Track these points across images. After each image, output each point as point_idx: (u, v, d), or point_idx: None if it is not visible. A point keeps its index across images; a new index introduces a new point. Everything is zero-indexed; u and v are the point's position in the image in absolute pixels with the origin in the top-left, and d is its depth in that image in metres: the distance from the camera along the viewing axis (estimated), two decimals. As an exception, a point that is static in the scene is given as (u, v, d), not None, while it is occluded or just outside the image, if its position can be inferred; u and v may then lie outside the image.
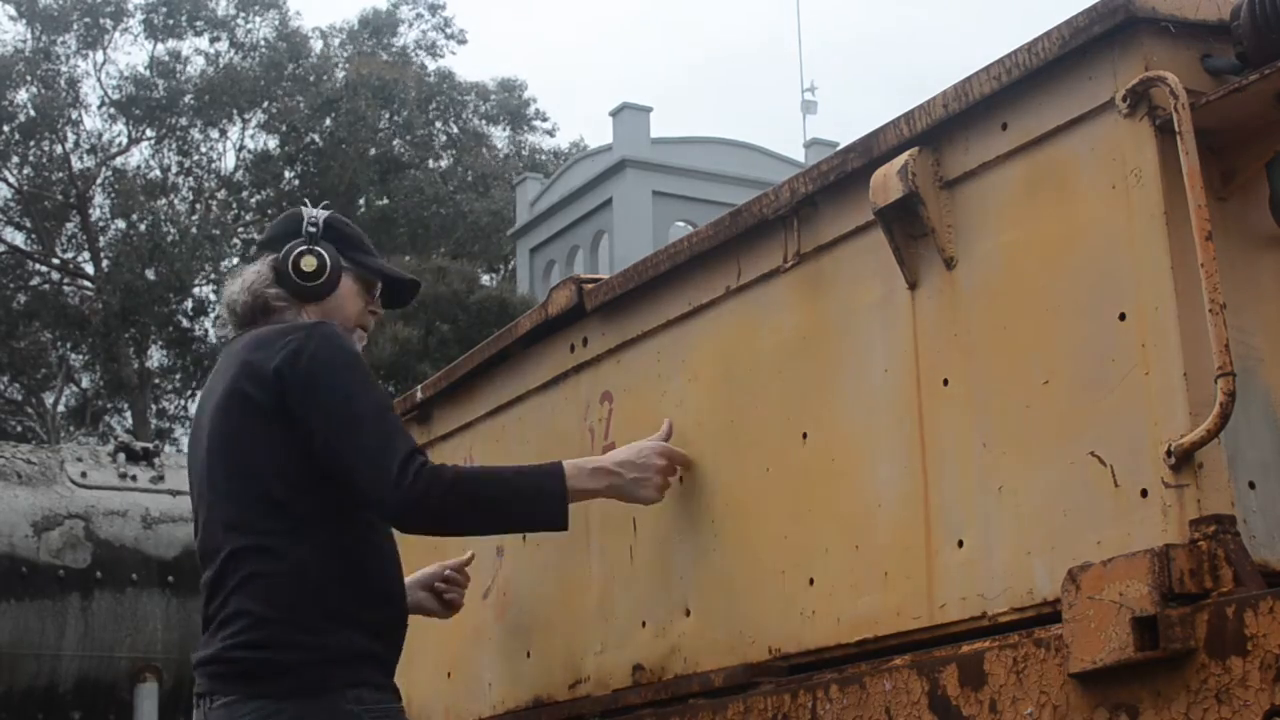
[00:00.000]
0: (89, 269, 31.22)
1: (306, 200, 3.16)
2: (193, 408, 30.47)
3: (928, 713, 2.41)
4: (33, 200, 30.99)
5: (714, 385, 3.12)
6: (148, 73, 31.71)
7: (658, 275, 3.26)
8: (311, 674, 2.67)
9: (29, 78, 30.61)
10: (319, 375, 2.73)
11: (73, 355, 31.29)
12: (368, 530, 2.82)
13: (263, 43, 32.44)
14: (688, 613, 3.11)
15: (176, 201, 32.02)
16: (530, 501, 2.87)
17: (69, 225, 31.90)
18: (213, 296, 31.27)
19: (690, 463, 3.10)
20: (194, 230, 29.57)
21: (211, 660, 2.75)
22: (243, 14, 32.47)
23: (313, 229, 2.96)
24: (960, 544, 2.53)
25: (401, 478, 2.68)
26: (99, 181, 31.56)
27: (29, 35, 31.15)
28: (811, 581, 2.82)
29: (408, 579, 3.15)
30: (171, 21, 31.68)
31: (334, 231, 3.01)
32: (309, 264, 2.92)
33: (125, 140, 32.05)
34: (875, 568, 2.68)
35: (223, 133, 32.73)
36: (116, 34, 31.78)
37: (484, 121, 35.76)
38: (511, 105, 35.75)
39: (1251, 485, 2.26)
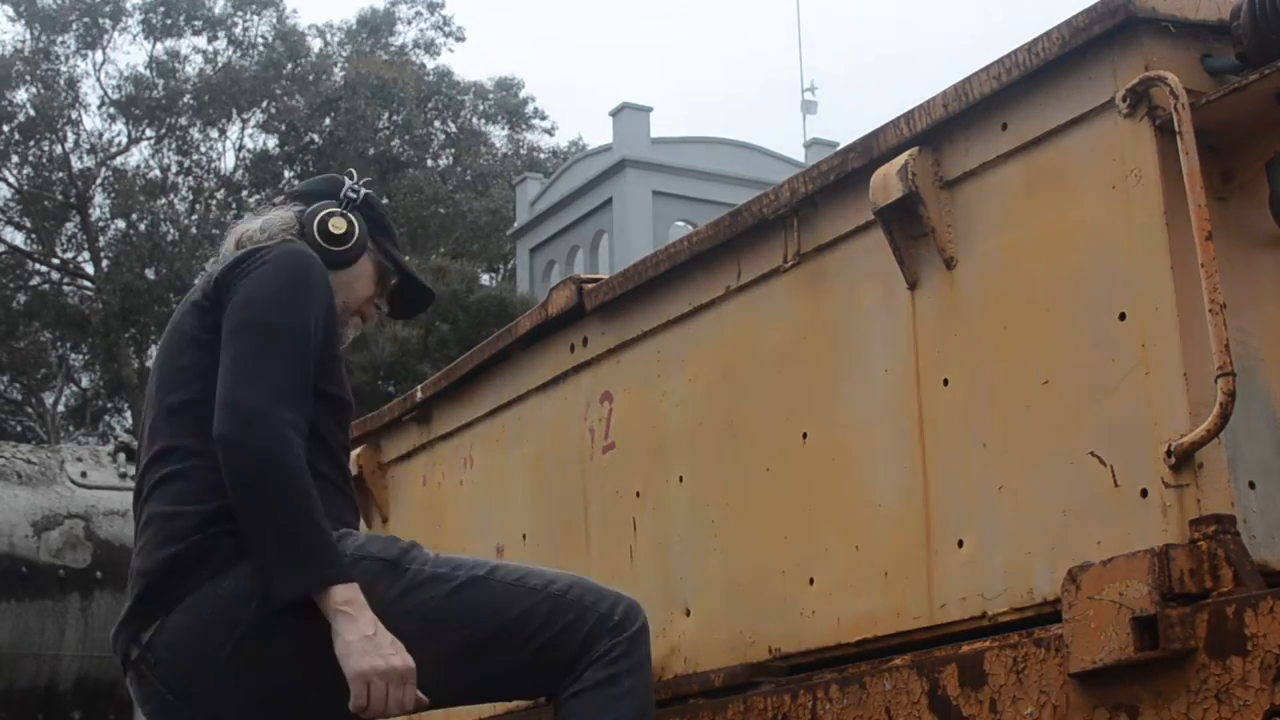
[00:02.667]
0: (89, 269, 31.21)
1: (353, 172, 2.99)
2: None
3: (928, 713, 2.41)
4: (33, 200, 30.97)
5: (714, 385, 3.12)
6: (147, 72, 31.70)
7: (658, 275, 3.26)
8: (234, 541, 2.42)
9: (29, 78, 30.60)
10: (255, 276, 2.52)
11: (73, 355, 31.27)
12: (329, 423, 2.59)
13: (261, 41, 32.44)
14: (688, 613, 3.11)
15: (176, 201, 32.01)
16: (305, 553, 2.38)
17: (69, 225, 31.88)
18: (212, 296, 31.20)
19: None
20: (194, 230, 29.56)
21: (141, 573, 2.48)
22: (240, 12, 32.46)
23: (353, 195, 2.79)
24: (960, 544, 2.54)
25: (254, 417, 2.38)
26: (99, 181, 31.55)
27: (28, 35, 31.14)
28: (811, 581, 2.82)
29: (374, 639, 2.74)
30: (169, 21, 31.66)
31: (370, 210, 2.84)
32: (338, 226, 2.72)
33: (125, 140, 32.04)
34: (875, 568, 2.69)
35: (222, 132, 32.72)
36: (115, 34, 31.76)
37: (483, 120, 35.76)
38: (510, 104, 35.73)
39: (1251, 485, 2.26)
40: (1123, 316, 2.32)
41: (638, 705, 2.45)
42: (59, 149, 31.20)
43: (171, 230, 29.55)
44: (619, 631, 2.46)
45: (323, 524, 2.40)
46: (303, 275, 2.55)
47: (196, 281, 2.71)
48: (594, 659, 2.44)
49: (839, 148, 3.08)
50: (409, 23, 35.36)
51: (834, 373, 2.84)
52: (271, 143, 32.76)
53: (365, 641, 2.33)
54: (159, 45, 31.98)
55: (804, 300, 2.92)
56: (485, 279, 31.29)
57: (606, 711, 2.43)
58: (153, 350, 30.70)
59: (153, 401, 2.63)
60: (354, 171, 2.94)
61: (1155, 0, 2.32)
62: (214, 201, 32.48)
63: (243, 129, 32.79)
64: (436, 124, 34.61)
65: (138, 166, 32.18)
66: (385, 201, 32.45)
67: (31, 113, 30.48)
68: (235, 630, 2.40)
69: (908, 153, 2.63)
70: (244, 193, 33.08)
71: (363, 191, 2.83)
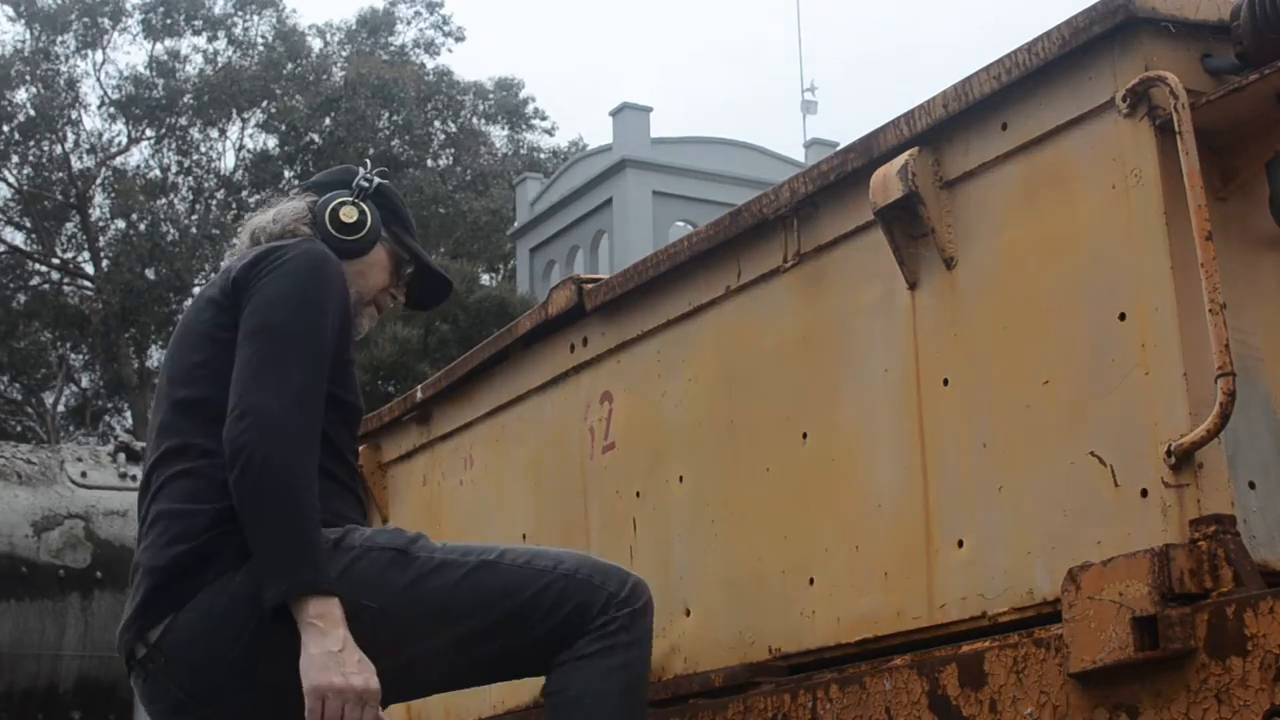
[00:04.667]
0: (89, 269, 31.19)
1: (367, 162, 2.95)
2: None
3: (928, 713, 2.41)
4: (33, 200, 30.96)
5: (714, 385, 3.12)
6: (147, 72, 31.69)
7: (658, 275, 3.26)
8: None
9: (28, 78, 30.59)
10: (272, 277, 2.51)
11: (73, 355, 31.26)
12: (337, 442, 2.58)
13: (261, 41, 32.45)
14: (688, 613, 3.11)
15: (176, 201, 32.00)
16: (290, 562, 2.36)
17: (69, 225, 31.87)
18: (212, 296, 31.21)
19: None
20: (194, 230, 29.56)
21: (150, 570, 2.47)
22: (240, 12, 32.46)
23: (365, 184, 2.75)
24: (960, 544, 2.54)
25: (266, 422, 2.38)
26: (99, 181, 31.53)
27: (28, 35, 31.14)
28: (811, 581, 2.82)
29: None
30: (169, 21, 31.65)
31: (384, 199, 2.80)
32: (349, 215, 2.70)
33: (125, 140, 32.02)
34: (875, 568, 2.69)
35: (222, 132, 32.71)
36: (115, 34, 31.74)
37: (483, 121, 35.76)
38: (510, 104, 35.73)
39: (1251, 485, 2.26)
40: (1123, 316, 2.32)
41: (630, 679, 2.44)
42: (59, 149, 31.19)
43: (171, 230, 29.54)
44: (622, 606, 2.46)
45: (314, 536, 2.38)
46: (319, 277, 2.54)
47: (214, 277, 2.69)
48: (594, 630, 2.44)
49: (839, 148, 3.08)
50: (409, 23, 35.35)
51: (834, 373, 2.84)
52: (272, 143, 32.76)
53: (329, 657, 2.31)
54: (159, 45, 31.98)
55: (804, 300, 2.92)
56: (485, 279, 31.28)
57: (596, 681, 2.42)
58: (153, 350, 30.74)
59: (163, 397, 2.61)
60: (369, 161, 2.90)
61: (1155, 0, 2.32)
62: (214, 201, 32.47)
63: (243, 129, 32.80)
64: (436, 124, 34.60)
65: (138, 166, 32.18)
66: (385, 201, 32.54)
67: (31, 113, 30.47)
68: (248, 626, 2.39)
69: (908, 153, 2.63)
70: (244, 193, 33.07)
71: (376, 181, 2.78)
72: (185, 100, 31.68)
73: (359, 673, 2.32)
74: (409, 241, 2.84)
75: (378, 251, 2.76)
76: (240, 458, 2.38)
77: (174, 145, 32.39)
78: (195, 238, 29.24)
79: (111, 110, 31.69)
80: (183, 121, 32.17)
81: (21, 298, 30.77)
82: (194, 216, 30.98)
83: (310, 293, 2.52)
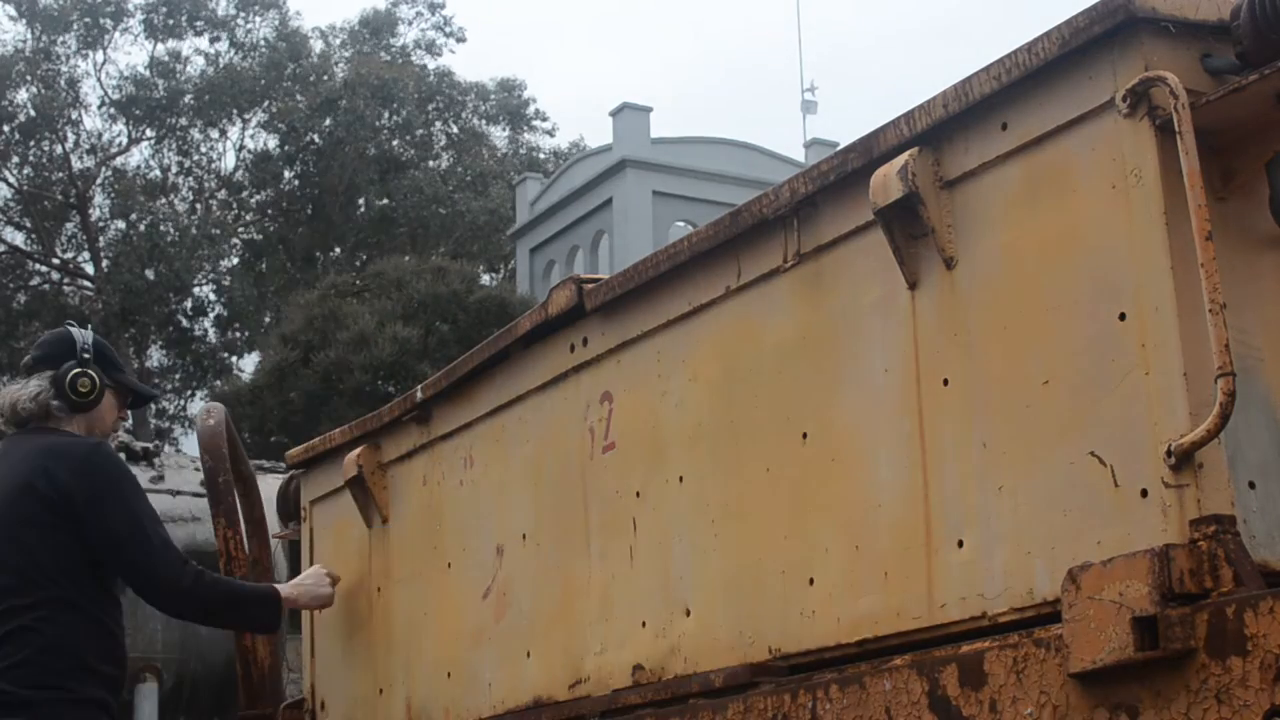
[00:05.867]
0: (89, 269, 31.23)
1: (82, 321, 3.99)
2: (193, 408, 30.57)
3: (928, 713, 2.41)
4: (33, 200, 30.99)
5: (714, 385, 3.12)
6: (148, 73, 31.72)
7: (658, 275, 3.26)
8: (54, 710, 3.30)
9: (29, 78, 30.62)
10: (107, 489, 3.44)
11: (73, 355, 31.25)
12: (113, 609, 3.52)
13: (262, 42, 32.46)
14: (688, 613, 3.11)
15: (176, 201, 32.03)
16: (260, 606, 3.79)
17: (69, 225, 31.91)
18: (213, 296, 31.34)
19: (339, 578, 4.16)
20: (194, 230, 29.59)
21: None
22: (242, 14, 32.48)
23: (86, 354, 3.61)
24: (960, 544, 2.54)
25: (182, 575, 3.52)
26: (99, 181, 31.57)
27: (29, 35, 31.16)
28: (811, 581, 2.82)
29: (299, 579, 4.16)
30: (171, 21, 31.69)
31: (100, 354, 3.66)
32: (84, 385, 3.59)
33: (125, 140, 32.06)
34: (875, 568, 2.69)
35: (223, 133, 32.74)
36: (116, 34, 31.79)
37: (483, 121, 35.77)
38: (511, 105, 35.75)
39: (1251, 485, 2.26)
40: (1123, 316, 2.32)
41: None
42: (59, 149, 31.22)
43: (172, 230, 29.56)
44: None
45: (246, 591, 3.82)
46: (128, 472, 3.57)
47: (15, 436, 3.60)
48: None
49: (839, 148, 3.08)
50: (410, 23, 35.39)
51: (834, 373, 2.84)
52: (272, 143, 32.78)
53: (311, 598, 4.06)
54: (160, 46, 32.01)
55: (804, 300, 2.92)
56: (485, 279, 31.28)
57: None
58: (153, 350, 30.77)
59: (10, 559, 3.40)
60: (76, 328, 3.73)
61: (1155, 0, 2.32)
62: (214, 202, 32.49)
63: (243, 129, 32.83)
64: (437, 124, 34.62)
65: (138, 167, 32.23)
66: (385, 202, 32.59)
67: (32, 113, 30.51)
68: None
69: (908, 153, 2.63)
70: (244, 193, 33.10)
71: (92, 345, 3.63)
72: (186, 100, 31.70)
73: (308, 585, 4.05)
74: (124, 380, 3.76)
75: (107, 397, 3.67)
76: (186, 613, 3.74)
77: (174, 145, 32.42)
78: (195, 238, 29.26)
79: (112, 110, 31.72)
80: (183, 122, 32.19)
81: (21, 298, 30.80)
82: (194, 216, 31.00)
83: (129, 483, 3.53)
